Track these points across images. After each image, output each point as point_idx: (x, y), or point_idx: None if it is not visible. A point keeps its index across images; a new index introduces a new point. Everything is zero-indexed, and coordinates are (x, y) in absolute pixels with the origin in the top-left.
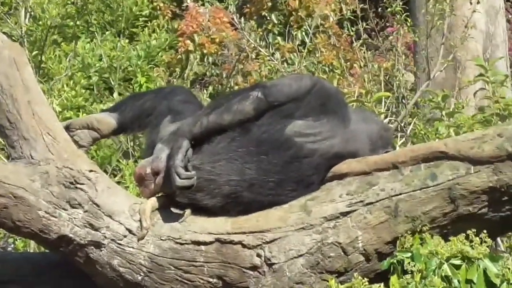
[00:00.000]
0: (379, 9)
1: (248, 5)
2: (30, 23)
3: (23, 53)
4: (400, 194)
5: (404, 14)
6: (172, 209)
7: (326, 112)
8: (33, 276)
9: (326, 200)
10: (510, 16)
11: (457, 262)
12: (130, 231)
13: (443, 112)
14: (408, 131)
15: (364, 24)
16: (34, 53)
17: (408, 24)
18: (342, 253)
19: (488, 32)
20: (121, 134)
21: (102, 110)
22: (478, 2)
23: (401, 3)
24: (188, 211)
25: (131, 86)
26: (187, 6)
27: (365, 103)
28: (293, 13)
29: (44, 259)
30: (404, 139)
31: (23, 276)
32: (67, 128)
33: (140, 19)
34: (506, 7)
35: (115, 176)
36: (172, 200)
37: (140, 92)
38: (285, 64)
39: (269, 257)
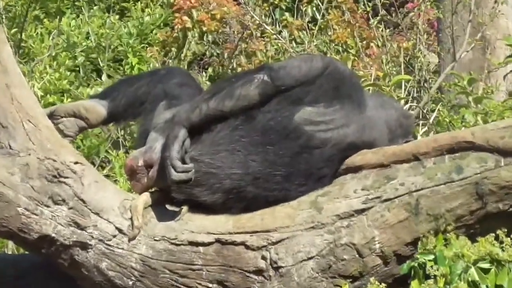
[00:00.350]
0: None
1: None
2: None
3: (0, 30)
4: (422, 189)
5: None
6: (167, 206)
7: (339, 97)
8: (13, 278)
9: (339, 196)
10: None
11: (485, 265)
12: (120, 231)
13: (470, 98)
14: (432, 119)
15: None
16: (13, 30)
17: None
18: (357, 255)
19: None
20: (112, 124)
21: (91, 96)
22: None
23: None
24: (185, 208)
25: (121, 68)
26: None
27: (383, 87)
28: None
29: (25, 260)
30: (426, 127)
31: (6, 278)
32: (51, 116)
33: None
34: None
35: (103, 168)
36: (167, 196)
37: (133, 75)
38: (294, 43)
39: (275, 259)
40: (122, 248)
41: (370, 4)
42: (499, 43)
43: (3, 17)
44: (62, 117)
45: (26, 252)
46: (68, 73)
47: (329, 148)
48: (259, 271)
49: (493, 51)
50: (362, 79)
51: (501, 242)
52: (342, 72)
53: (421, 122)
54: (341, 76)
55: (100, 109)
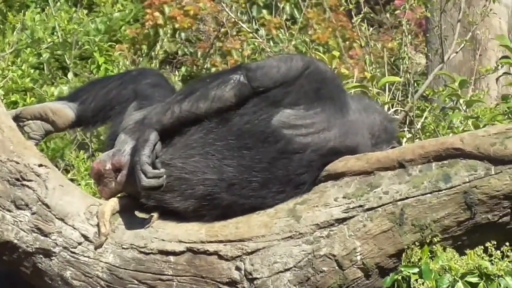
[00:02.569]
0: None
1: None
2: None
3: None
4: (407, 198)
5: None
6: (136, 212)
7: (320, 99)
8: None
9: (319, 204)
10: None
11: (474, 279)
12: (86, 238)
13: (461, 100)
14: (419, 125)
15: None
16: None
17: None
18: (337, 267)
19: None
20: (80, 129)
21: (59, 98)
22: None
23: None
24: (155, 215)
25: (88, 66)
26: None
27: (369, 89)
28: None
29: None
30: (411, 133)
31: None
32: (17, 118)
33: None
34: None
35: (68, 172)
36: (136, 202)
37: (104, 77)
38: (271, 43)
39: (250, 270)
40: (88, 256)
41: (353, 1)
42: (491, 44)
43: None
44: (28, 119)
45: None
46: (32, 70)
47: (309, 153)
48: (233, 283)
49: (484, 52)
50: (345, 81)
51: (490, 255)
52: (324, 73)
53: (406, 127)
54: (322, 77)
55: (68, 112)
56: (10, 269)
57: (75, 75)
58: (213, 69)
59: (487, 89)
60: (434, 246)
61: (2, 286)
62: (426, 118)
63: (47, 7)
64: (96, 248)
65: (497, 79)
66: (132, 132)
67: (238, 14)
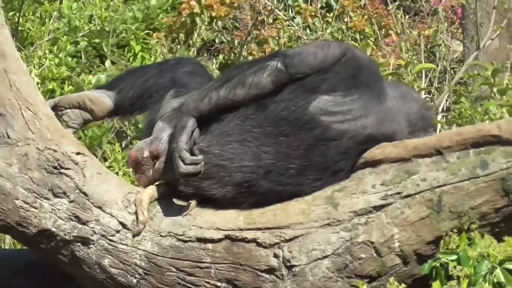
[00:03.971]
0: None
1: None
2: None
3: (0, 12)
4: (445, 185)
5: None
6: (174, 200)
7: (357, 86)
8: (7, 277)
9: (357, 191)
10: None
11: None
12: (124, 226)
13: (494, 89)
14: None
15: None
16: (11, 13)
17: None
18: (375, 254)
19: None
20: (117, 117)
21: (97, 87)
22: None
23: None
24: (193, 203)
25: (126, 54)
26: None
27: (404, 77)
28: None
29: (21, 258)
30: (447, 119)
31: (0, 276)
32: (55, 107)
33: None
34: None
35: (105, 160)
36: (174, 190)
37: (142, 66)
38: (308, 30)
39: (288, 258)
40: (126, 244)
41: None
42: None
43: None
44: (66, 108)
45: (22, 248)
46: (69, 58)
47: (346, 140)
48: (271, 270)
49: None
50: (382, 68)
51: None
52: (361, 60)
53: (442, 114)
54: (359, 64)
55: (106, 100)
56: (43, 258)
57: (112, 63)
58: (250, 57)
59: None
60: (472, 233)
61: (33, 277)
62: (463, 103)
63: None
64: (134, 236)
65: None
66: (170, 119)
67: (275, 2)
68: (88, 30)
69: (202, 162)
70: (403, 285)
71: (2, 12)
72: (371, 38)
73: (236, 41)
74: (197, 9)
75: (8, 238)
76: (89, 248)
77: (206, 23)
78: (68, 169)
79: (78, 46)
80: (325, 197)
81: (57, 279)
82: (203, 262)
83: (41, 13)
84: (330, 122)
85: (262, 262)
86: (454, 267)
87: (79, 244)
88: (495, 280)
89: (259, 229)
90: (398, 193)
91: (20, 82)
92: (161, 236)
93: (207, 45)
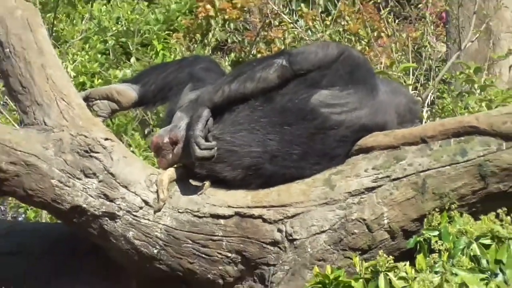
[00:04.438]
0: None
1: None
2: None
3: (37, 13)
4: (428, 169)
5: None
6: (190, 180)
7: (353, 81)
8: (39, 249)
9: (351, 174)
10: None
11: (486, 241)
12: (146, 203)
13: (476, 85)
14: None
15: None
16: (48, 15)
17: None
18: (367, 230)
19: None
20: (141, 107)
21: (123, 80)
22: None
23: None
24: (207, 183)
25: (148, 52)
26: None
27: (392, 75)
28: None
29: (53, 232)
30: (432, 112)
31: (29, 248)
32: (87, 98)
33: None
34: None
35: (130, 146)
36: (190, 172)
37: (164, 62)
38: (309, 32)
39: (290, 232)
40: (148, 219)
41: None
42: (503, 35)
43: (38, 1)
44: (96, 99)
45: (56, 222)
46: (99, 55)
47: (343, 129)
48: (275, 243)
49: (497, 42)
50: (374, 66)
51: (501, 220)
52: (356, 59)
53: (426, 108)
54: (355, 62)
55: (131, 93)
56: (73, 233)
57: (137, 60)
58: (259, 55)
59: (499, 75)
60: (452, 212)
61: (63, 250)
62: (445, 99)
63: (110, 3)
64: (155, 212)
65: (510, 67)
66: (187, 110)
67: (281, 6)
68: (116, 31)
69: (216, 148)
70: (391, 257)
71: (39, 13)
72: (364, 40)
73: (246, 41)
74: (212, 12)
75: (44, 213)
76: (116, 222)
77: (219, 25)
78: (98, 152)
79: (107, 44)
80: (323, 180)
81: (81, 258)
82: (216, 236)
83: (74, 14)
84: (329, 113)
85: (267, 236)
86: (436, 241)
87: (106, 218)
88: (472, 254)
89: (264, 207)
90: (388, 176)
91: (55, 76)
92: (179, 212)
93: (221, 45)
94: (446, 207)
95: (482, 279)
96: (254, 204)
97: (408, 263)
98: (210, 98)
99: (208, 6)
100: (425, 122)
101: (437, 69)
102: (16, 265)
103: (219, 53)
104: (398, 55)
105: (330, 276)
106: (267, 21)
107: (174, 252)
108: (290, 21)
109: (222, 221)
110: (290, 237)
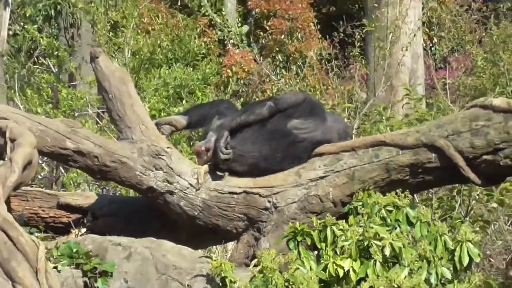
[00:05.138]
0: (345, 53)
1: (265, 50)
2: (131, 57)
3: (128, 74)
4: (356, 166)
5: (360, 56)
6: (217, 172)
7: (312, 114)
8: (128, 213)
9: (311, 169)
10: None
11: (390, 208)
12: (191, 185)
13: (383, 117)
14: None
15: (335, 62)
16: (134, 75)
17: (363, 62)
18: (320, 201)
19: (412, 69)
20: (189, 130)
21: (178, 113)
22: (406, 49)
23: (359, 50)
24: (226, 174)
25: (194, 98)
26: (228, 48)
27: (335, 110)
28: (291, 55)
29: (137, 202)
30: (359, 132)
31: (123, 212)
32: (157, 123)
33: (200, 55)
34: (424, 54)
35: (181, 152)
36: (216, 167)
37: (202, 103)
38: (287, 86)
39: (275, 202)
40: (192, 195)
41: (329, 65)
42: (400, 88)
43: (128, 67)
44: (162, 124)
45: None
46: (164, 99)
47: (306, 143)
48: (266, 209)
49: (396, 92)
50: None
51: (398, 196)
52: (314, 101)
53: (355, 130)
54: (313, 103)
55: (183, 121)
56: (148, 203)
57: (186, 102)
58: (257, 99)
59: (397, 111)
60: (370, 191)
61: (143, 214)
62: (366, 125)
63: (172, 66)
64: (196, 191)
65: (402, 106)
66: (215, 131)
67: (270, 71)
68: (174, 84)
69: (232, 153)
70: (334, 217)
71: (129, 74)
72: (318, 90)
73: (250, 91)
74: (230, 74)
75: (131, 191)
76: (173, 196)
77: (235, 81)
78: (163, 155)
79: (168, 92)
80: (294, 172)
81: (156, 221)
82: (231, 204)
83: (149, 75)
84: (298, 133)
85: (262, 205)
86: (360, 208)
87: (168, 194)
88: (381, 216)
89: (260, 187)
90: (332, 170)
91: (139, 111)
92: (210, 190)
93: (235, 93)
94: (366, 188)
95: (387, 230)
96: (255, 186)
97: (344, 221)
98: (229, 124)
99: (228, 70)
100: (354, 138)
101: (361, 108)
102: (116, 223)
103: (234, 98)
104: (339, 100)
105: (298, 228)
106: (262, 79)
107: (207, 214)
108: (275, 79)
109: (235, 196)
110: (275, 206)
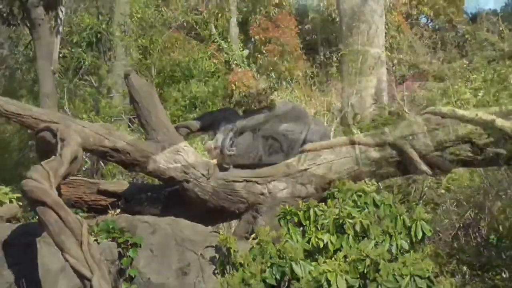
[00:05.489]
0: (325, 71)
1: (261, 69)
2: (156, 75)
3: (153, 88)
4: (333, 160)
5: (337, 74)
6: (224, 165)
7: (299, 119)
8: (150, 198)
9: (298, 162)
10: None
11: (360, 193)
12: (203, 175)
13: (355, 122)
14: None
15: (317, 78)
16: (158, 89)
17: (339, 79)
18: (304, 188)
19: (378, 83)
20: (201, 132)
21: (193, 119)
22: (373, 69)
23: (335, 69)
24: (231, 167)
25: (206, 107)
26: (233, 68)
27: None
28: (283, 73)
29: (160, 188)
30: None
31: (150, 194)
32: (176, 127)
33: (210, 73)
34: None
35: (196, 149)
36: (224, 161)
37: (212, 111)
38: (279, 98)
39: (269, 189)
40: (204, 183)
41: (312, 81)
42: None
43: (153, 82)
44: (180, 127)
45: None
46: (182, 108)
47: (294, 142)
48: (262, 194)
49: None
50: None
51: (366, 183)
52: (301, 109)
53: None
54: (300, 111)
55: (197, 125)
56: (169, 191)
57: (199, 110)
58: (256, 107)
59: (366, 117)
60: (344, 180)
61: (165, 195)
62: (341, 127)
63: (188, 82)
64: (207, 179)
65: (370, 113)
66: (223, 132)
67: (266, 85)
68: (190, 96)
69: (235, 150)
70: (316, 201)
71: (154, 87)
72: (303, 101)
73: (250, 101)
74: (235, 88)
75: (156, 180)
76: (189, 184)
77: (238, 93)
78: (181, 151)
79: (185, 102)
80: (284, 164)
81: (175, 205)
82: (236, 190)
83: (170, 89)
84: (288, 135)
85: (258, 190)
86: (337, 193)
87: (185, 182)
88: (353, 199)
89: (258, 177)
90: (314, 163)
91: (162, 117)
92: (218, 179)
93: (238, 103)
94: (341, 178)
95: (358, 211)
96: (253, 176)
97: (324, 203)
98: (233, 127)
99: (233, 85)
100: (332, 139)
101: (337, 114)
102: (144, 203)
103: (237, 106)
104: (319, 108)
105: (288, 209)
106: (259, 92)
107: (216, 198)
108: (270, 92)
109: (238, 183)
110: (269, 191)
